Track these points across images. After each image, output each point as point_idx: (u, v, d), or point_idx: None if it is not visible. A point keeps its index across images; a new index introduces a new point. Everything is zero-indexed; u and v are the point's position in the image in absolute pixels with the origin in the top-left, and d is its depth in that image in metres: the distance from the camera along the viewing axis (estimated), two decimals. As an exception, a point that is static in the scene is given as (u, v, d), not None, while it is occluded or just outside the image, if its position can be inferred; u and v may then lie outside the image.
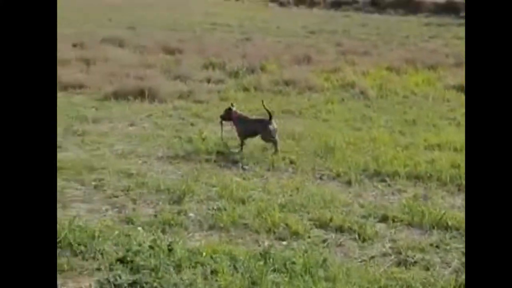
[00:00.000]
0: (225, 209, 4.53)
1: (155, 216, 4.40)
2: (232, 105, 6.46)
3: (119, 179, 5.17)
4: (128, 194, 4.82)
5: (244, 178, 5.37)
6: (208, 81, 9.92)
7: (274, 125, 6.11)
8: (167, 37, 14.82)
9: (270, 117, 6.10)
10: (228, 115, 6.34)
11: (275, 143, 6.09)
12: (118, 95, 8.29)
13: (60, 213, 4.34)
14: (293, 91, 9.52)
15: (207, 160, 5.79)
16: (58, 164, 5.37)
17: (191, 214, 4.46)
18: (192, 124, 7.29)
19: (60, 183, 4.95)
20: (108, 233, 3.96)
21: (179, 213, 4.45)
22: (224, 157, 5.92)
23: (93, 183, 5.05)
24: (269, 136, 6.10)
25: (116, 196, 4.78)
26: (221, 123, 6.40)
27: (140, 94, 8.30)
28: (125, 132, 6.77)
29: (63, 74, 9.38)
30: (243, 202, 4.69)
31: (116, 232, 3.97)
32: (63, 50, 11.18)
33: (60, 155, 5.72)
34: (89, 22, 12.77)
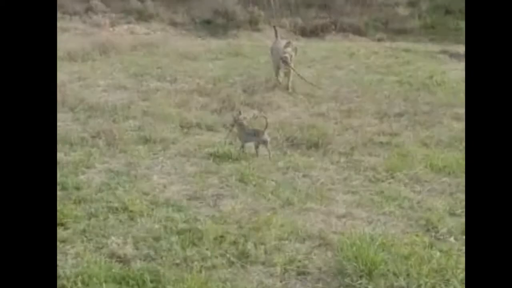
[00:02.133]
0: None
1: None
2: (240, 112, 7.67)
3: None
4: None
5: None
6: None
7: (266, 136, 7.33)
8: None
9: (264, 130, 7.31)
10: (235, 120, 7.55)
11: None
12: (293, 145, 8.01)
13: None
14: None
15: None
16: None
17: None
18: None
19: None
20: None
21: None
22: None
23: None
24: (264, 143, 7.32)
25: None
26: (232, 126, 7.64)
27: (315, 145, 8.00)
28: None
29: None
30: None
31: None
32: (233, 96, 11.10)
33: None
34: (260, 69, 12.78)
